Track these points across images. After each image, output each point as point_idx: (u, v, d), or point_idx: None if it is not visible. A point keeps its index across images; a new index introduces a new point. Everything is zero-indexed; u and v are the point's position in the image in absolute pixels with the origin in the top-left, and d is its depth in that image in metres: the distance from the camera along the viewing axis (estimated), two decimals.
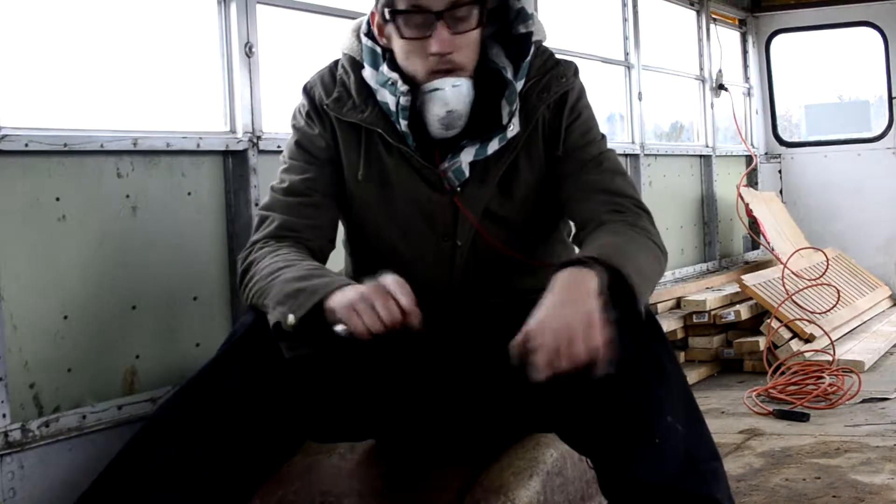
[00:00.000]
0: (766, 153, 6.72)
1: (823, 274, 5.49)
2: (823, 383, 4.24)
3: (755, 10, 6.61)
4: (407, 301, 1.77)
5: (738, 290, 5.10)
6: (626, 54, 5.18)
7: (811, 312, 5.08)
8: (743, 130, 6.46)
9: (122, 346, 2.40)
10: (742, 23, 6.58)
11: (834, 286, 5.41)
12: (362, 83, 2.05)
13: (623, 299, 1.80)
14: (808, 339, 4.85)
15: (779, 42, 6.70)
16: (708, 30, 6.06)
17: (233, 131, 2.75)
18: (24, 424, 2.14)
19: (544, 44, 2.12)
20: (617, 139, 5.10)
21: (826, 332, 4.88)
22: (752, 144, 6.58)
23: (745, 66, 6.67)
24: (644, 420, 1.80)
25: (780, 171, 6.73)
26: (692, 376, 4.67)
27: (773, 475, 3.08)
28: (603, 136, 2.12)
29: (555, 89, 2.06)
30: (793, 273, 5.31)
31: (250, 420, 1.86)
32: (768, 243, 5.78)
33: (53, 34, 2.45)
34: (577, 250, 2.12)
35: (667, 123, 6.39)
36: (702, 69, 6.05)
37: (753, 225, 5.97)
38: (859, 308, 5.68)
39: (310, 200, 2.06)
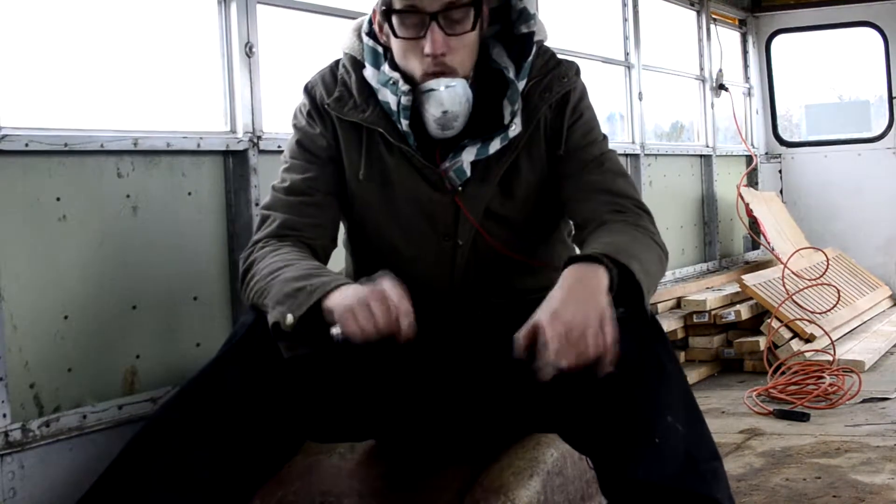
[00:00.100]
0: (766, 153, 6.72)
1: (823, 274, 5.49)
2: (824, 383, 4.24)
3: (755, 10, 6.61)
4: (403, 305, 1.76)
5: (739, 289, 5.10)
6: (627, 54, 5.18)
7: (811, 312, 5.08)
8: (743, 130, 6.46)
9: (122, 346, 2.40)
10: (742, 23, 6.58)
11: (834, 286, 5.41)
12: (363, 83, 2.06)
13: (629, 297, 1.80)
14: (809, 339, 4.85)
15: (779, 42, 6.70)
16: (708, 30, 6.06)
17: (233, 131, 2.75)
18: (25, 424, 2.14)
19: (545, 44, 2.12)
20: (617, 139, 5.10)
21: (826, 332, 4.88)
22: (752, 144, 6.58)
23: (746, 66, 6.67)
24: (644, 420, 1.80)
25: (780, 171, 6.73)
26: (692, 376, 4.67)
27: (773, 475, 3.08)
28: (605, 137, 2.12)
29: (556, 89, 2.06)
30: (793, 273, 5.31)
31: (251, 420, 1.86)
32: (768, 243, 5.78)
33: (53, 34, 2.45)
34: (577, 250, 2.12)
35: (667, 123, 6.40)
36: (702, 69, 6.05)
37: (754, 225, 5.97)
38: (859, 308, 5.68)
39: (311, 200, 2.06)
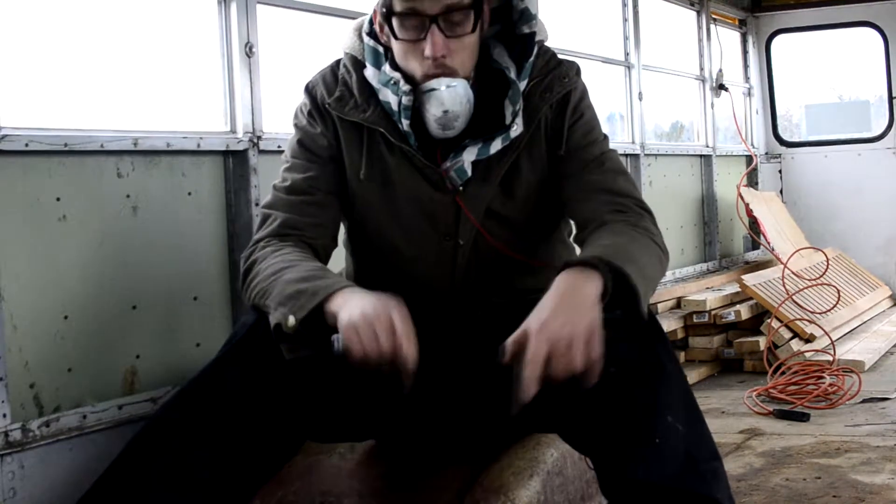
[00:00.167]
0: (766, 153, 6.72)
1: (823, 274, 5.49)
2: (824, 383, 4.24)
3: (755, 10, 6.61)
4: (407, 337, 1.73)
5: (739, 289, 5.10)
6: (627, 54, 5.19)
7: (811, 312, 5.08)
8: (743, 130, 6.46)
9: (122, 346, 2.40)
10: (742, 23, 6.58)
11: (834, 286, 5.41)
12: (364, 82, 2.06)
13: (625, 300, 1.80)
14: (809, 339, 4.85)
15: (779, 42, 6.71)
16: (708, 30, 6.06)
17: (233, 131, 2.75)
18: (25, 424, 2.14)
19: (545, 44, 2.12)
20: (617, 139, 5.10)
21: (826, 332, 4.88)
22: (752, 144, 6.58)
23: (746, 66, 6.67)
24: (644, 420, 1.80)
25: (780, 171, 6.73)
26: (692, 376, 4.67)
27: (773, 475, 3.09)
28: (605, 137, 2.12)
29: (557, 89, 2.06)
30: (793, 273, 5.31)
31: (251, 421, 1.86)
32: (768, 243, 5.78)
33: (53, 34, 2.45)
34: (577, 250, 2.12)
35: (667, 123, 6.40)
36: (702, 69, 6.05)
37: (754, 225, 5.97)
38: (859, 308, 5.68)
39: (312, 199, 2.06)
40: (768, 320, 4.84)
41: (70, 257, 2.28)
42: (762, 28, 6.66)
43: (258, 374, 1.87)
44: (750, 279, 5.07)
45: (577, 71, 2.11)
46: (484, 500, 2.13)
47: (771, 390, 4.23)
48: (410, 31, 1.95)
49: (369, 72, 2.05)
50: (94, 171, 2.34)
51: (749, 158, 6.48)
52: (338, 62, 2.13)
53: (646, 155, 5.21)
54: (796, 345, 4.79)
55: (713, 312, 4.90)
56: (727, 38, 6.40)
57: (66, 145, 2.26)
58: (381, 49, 2.04)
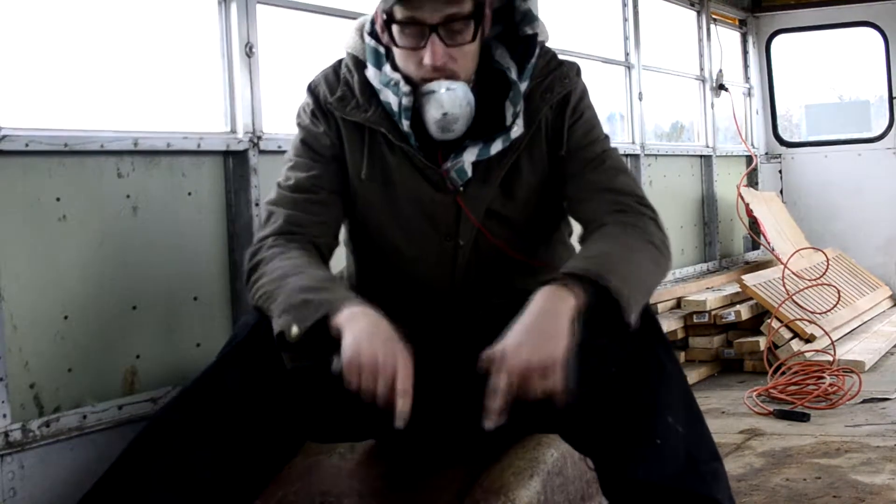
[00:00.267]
0: (766, 153, 6.72)
1: (824, 274, 5.49)
2: (824, 383, 4.24)
3: (755, 10, 6.61)
4: (404, 398, 1.73)
5: (739, 290, 5.10)
6: (627, 54, 5.18)
7: (811, 312, 5.08)
8: (743, 130, 6.46)
9: (122, 346, 2.40)
10: (742, 23, 6.58)
11: (834, 286, 5.41)
12: (365, 82, 2.06)
13: (611, 311, 1.80)
14: (809, 339, 4.85)
15: (779, 42, 6.70)
16: (708, 30, 6.06)
17: (233, 131, 2.75)
18: (25, 424, 2.14)
19: (546, 44, 2.12)
20: (617, 139, 5.10)
21: (826, 332, 4.88)
22: (752, 144, 6.58)
23: (746, 67, 6.67)
24: (645, 420, 1.80)
25: (780, 171, 6.73)
26: (692, 376, 4.67)
27: (773, 475, 3.08)
28: (606, 136, 2.12)
29: (558, 90, 2.06)
30: (793, 273, 5.31)
31: (252, 422, 1.86)
32: (768, 243, 5.78)
33: (53, 34, 2.45)
34: (577, 250, 2.12)
35: (667, 123, 6.40)
36: (702, 69, 6.05)
37: (754, 225, 5.97)
38: (860, 308, 5.68)
39: (316, 197, 2.06)
40: (768, 320, 4.84)
41: (70, 257, 2.28)
42: (762, 28, 6.66)
43: (259, 375, 1.87)
44: (750, 279, 5.07)
45: (578, 71, 2.11)
46: (484, 500, 2.13)
47: (771, 390, 4.23)
48: (410, 39, 1.94)
49: (370, 72, 2.05)
50: (94, 171, 2.34)
51: (749, 158, 6.48)
52: (340, 61, 2.13)
53: (646, 155, 5.21)
54: (796, 345, 4.79)
55: (713, 312, 4.90)
56: (727, 38, 6.39)
57: (66, 145, 2.26)
58: (382, 50, 2.04)
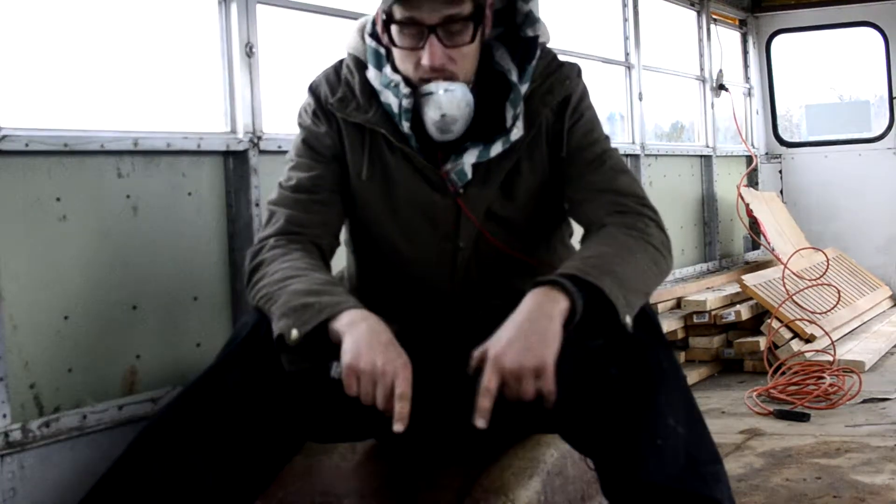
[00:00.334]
0: (766, 153, 6.72)
1: (824, 274, 5.49)
2: (824, 383, 4.24)
3: (755, 10, 6.61)
4: (402, 406, 1.73)
5: (739, 290, 5.09)
6: (627, 54, 5.18)
7: (812, 312, 5.08)
8: (743, 130, 6.46)
9: (122, 346, 2.40)
10: (742, 23, 6.58)
11: (834, 286, 5.41)
12: (366, 83, 2.06)
13: (606, 313, 1.80)
14: (809, 340, 4.85)
15: (779, 42, 6.70)
16: (708, 30, 6.06)
17: (233, 132, 2.75)
18: (25, 424, 2.14)
19: (547, 45, 2.12)
20: (617, 139, 5.10)
21: (826, 333, 4.88)
22: (752, 144, 6.58)
23: (746, 67, 6.67)
24: (645, 421, 1.80)
25: (780, 172, 6.73)
26: (693, 376, 4.66)
27: (773, 475, 3.08)
28: (606, 137, 2.12)
29: (558, 92, 2.06)
30: (793, 273, 5.31)
31: (252, 422, 1.86)
32: (769, 243, 5.78)
33: (53, 34, 2.45)
34: (577, 250, 2.12)
35: (667, 123, 6.40)
36: (702, 69, 6.05)
37: (754, 225, 5.97)
38: (860, 308, 5.67)
39: (317, 197, 2.06)
40: (768, 320, 4.84)
41: (70, 257, 2.28)
42: (762, 28, 6.66)
43: (259, 375, 1.87)
44: (750, 279, 5.07)
45: (578, 72, 2.11)
46: (484, 500, 2.13)
47: (771, 390, 4.23)
48: (409, 40, 1.94)
49: (371, 73, 2.05)
50: (94, 171, 2.34)
51: (749, 159, 6.48)
52: (341, 62, 2.13)
53: (646, 155, 5.21)
54: (796, 345, 4.79)
55: (713, 313, 4.90)
56: (727, 38, 6.39)
57: (66, 145, 2.26)
58: (382, 51, 2.04)
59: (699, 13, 6.01)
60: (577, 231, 2.15)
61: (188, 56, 2.81)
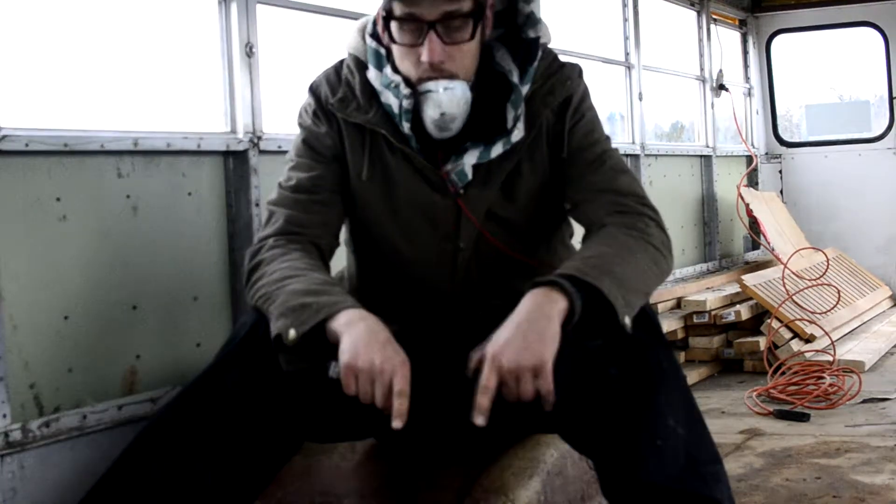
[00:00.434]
0: (766, 153, 6.72)
1: (824, 274, 5.49)
2: (824, 383, 4.24)
3: (755, 10, 6.61)
4: (400, 402, 1.73)
5: (739, 290, 5.09)
6: (627, 54, 5.18)
7: (811, 312, 5.08)
8: (743, 130, 6.46)
9: (122, 346, 2.40)
10: (742, 23, 6.58)
11: (834, 286, 5.41)
12: (366, 84, 2.06)
13: (605, 314, 1.80)
14: (809, 340, 4.85)
15: (779, 42, 6.70)
16: (708, 30, 6.06)
17: (233, 132, 2.75)
18: (25, 424, 2.14)
19: (548, 46, 2.12)
20: (617, 139, 5.10)
21: (826, 333, 4.88)
22: (752, 144, 6.58)
23: (746, 67, 6.67)
24: (645, 422, 1.80)
25: (780, 172, 6.73)
26: (693, 376, 4.66)
27: (773, 475, 3.08)
28: (607, 137, 2.12)
29: (559, 93, 2.06)
30: (793, 273, 5.31)
31: (251, 422, 1.86)
32: (768, 243, 5.78)
33: (53, 34, 2.45)
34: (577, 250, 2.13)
35: (667, 123, 6.40)
36: (702, 69, 6.05)
37: (754, 225, 5.97)
38: (860, 308, 5.67)
39: (317, 198, 2.06)
40: (768, 320, 4.84)
41: (70, 257, 2.28)
42: (762, 28, 6.66)
43: (258, 375, 1.87)
44: (750, 279, 5.07)
45: (580, 73, 2.11)
46: (484, 500, 2.13)
47: (771, 390, 4.22)
48: (409, 36, 1.95)
49: (371, 73, 2.05)
50: (94, 171, 2.34)
51: (749, 159, 6.48)
52: (341, 62, 2.13)
53: (646, 155, 5.21)
54: (796, 345, 4.79)
55: (713, 313, 4.90)
56: (727, 39, 6.39)
57: (66, 145, 2.26)
58: (383, 51, 2.04)
59: (699, 13, 6.01)
60: (578, 231, 2.15)
61: (188, 56, 2.81)
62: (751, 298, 5.03)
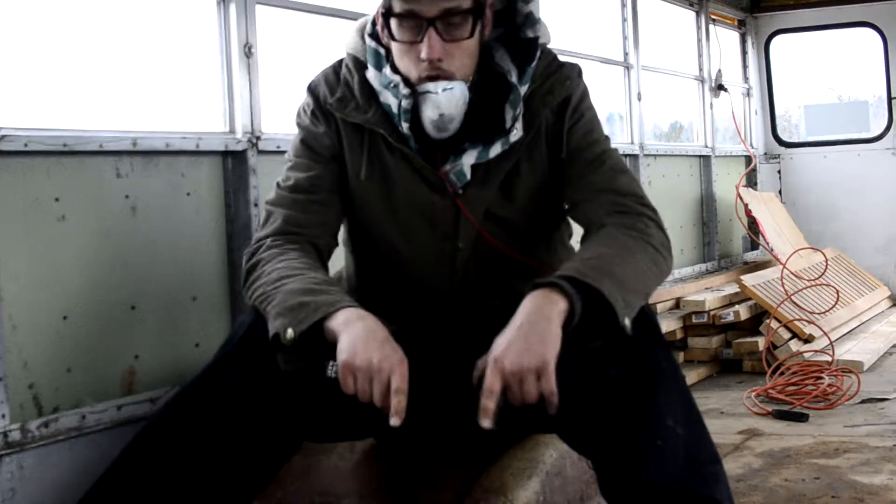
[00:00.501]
0: (765, 153, 6.72)
1: (823, 274, 5.50)
2: (822, 384, 4.24)
3: (754, 10, 6.61)
4: (398, 400, 1.73)
5: (738, 290, 5.09)
6: (626, 54, 5.18)
7: (810, 313, 5.08)
8: (742, 131, 6.46)
9: (121, 346, 2.40)
10: (741, 23, 6.58)
11: (833, 286, 5.41)
12: (365, 83, 2.06)
13: (605, 315, 1.80)
14: (808, 340, 4.85)
15: (778, 42, 6.71)
16: (707, 30, 6.06)
17: (232, 132, 2.75)
18: (24, 425, 2.14)
19: (547, 46, 2.12)
20: (616, 139, 5.10)
21: (825, 333, 4.88)
22: (751, 145, 6.58)
23: (745, 67, 6.67)
24: (645, 422, 1.80)
25: (779, 172, 6.73)
26: (691, 377, 4.67)
27: (772, 475, 3.09)
28: (606, 137, 2.12)
29: (558, 93, 2.06)
30: (792, 273, 5.31)
31: (250, 422, 1.86)
32: (767, 243, 5.78)
33: (53, 34, 2.45)
34: (576, 251, 2.13)
35: (666, 124, 6.40)
36: (701, 69, 6.05)
37: (753, 225, 5.97)
38: (858, 308, 5.68)
39: (315, 198, 2.06)
40: (767, 321, 4.84)
41: (69, 257, 2.28)
42: (761, 28, 6.66)
43: (256, 375, 1.87)
44: (749, 279, 5.07)
45: (579, 73, 2.11)
46: (484, 500, 2.13)
47: (770, 391, 4.23)
48: (408, 33, 1.95)
49: (370, 73, 2.05)
50: (93, 171, 2.34)
51: (748, 159, 6.48)
52: (340, 62, 2.13)
53: (645, 155, 5.21)
54: (795, 345, 4.79)
55: (712, 313, 4.90)
56: (726, 39, 6.39)
57: (65, 145, 2.25)
58: (382, 51, 2.04)
59: (698, 13, 6.01)
60: (577, 231, 2.15)
61: (187, 56, 2.81)
62: (750, 299, 5.03)
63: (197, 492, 1.82)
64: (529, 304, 1.79)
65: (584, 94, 2.11)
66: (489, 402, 1.72)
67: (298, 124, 2.13)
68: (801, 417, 3.82)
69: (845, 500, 2.82)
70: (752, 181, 6.48)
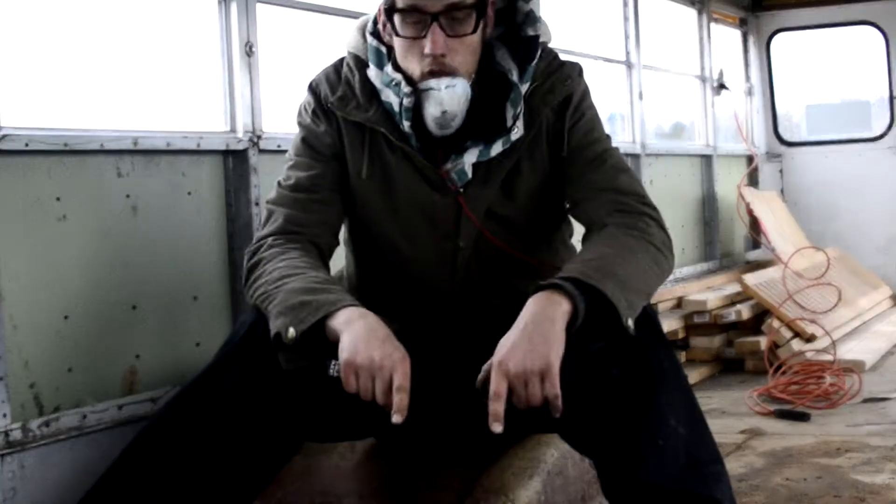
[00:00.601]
0: (767, 153, 6.72)
1: (824, 274, 5.49)
2: (824, 383, 4.23)
3: (756, 9, 6.61)
4: (401, 398, 1.73)
5: (740, 289, 5.09)
6: (627, 53, 5.18)
7: (812, 312, 5.07)
8: (744, 130, 6.46)
9: (122, 345, 2.40)
10: (743, 22, 6.58)
11: (835, 286, 5.40)
12: (366, 82, 2.06)
13: (607, 315, 1.80)
14: (810, 339, 4.85)
15: (780, 41, 6.70)
16: (709, 29, 6.05)
17: (233, 131, 2.75)
18: (25, 424, 2.14)
19: (549, 45, 2.12)
20: (618, 139, 5.09)
21: (827, 332, 4.87)
22: (753, 144, 6.57)
23: (746, 66, 6.66)
24: (646, 422, 1.80)
25: (780, 171, 6.72)
26: (693, 376, 4.66)
27: (774, 475, 3.08)
28: (607, 136, 2.12)
29: (559, 92, 2.06)
30: (794, 273, 5.31)
31: (251, 422, 1.86)
32: (769, 243, 5.78)
33: (53, 34, 2.45)
34: (577, 250, 2.12)
35: (668, 123, 6.39)
36: (703, 68, 6.04)
37: (754, 224, 5.97)
38: (860, 308, 5.67)
39: (316, 197, 2.06)
40: (769, 320, 4.84)
41: (70, 257, 2.28)
42: (763, 27, 6.66)
43: (257, 375, 1.87)
44: (751, 279, 5.07)
45: (580, 72, 2.11)
46: (484, 500, 2.12)
47: (772, 390, 4.22)
48: (411, 29, 1.95)
49: (372, 72, 2.05)
50: (93, 170, 2.34)
51: (750, 158, 6.48)
52: (341, 61, 2.13)
53: (646, 155, 5.20)
54: (797, 345, 4.78)
55: (714, 312, 4.90)
56: (728, 38, 6.39)
57: (65, 145, 2.25)
58: (383, 49, 2.04)
59: (699, 12, 6.00)
60: (578, 230, 2.15)
61: (188, 55, 2.81)
62: (751, 298, 5.03)
63: (197, 492, 1.82)
64: (533, 306, 1.78)
65: (585, 92, 2.11)
66: (498, 406, 1.71)
67: (299, 123, 2.13)
68: (802, 417, 3.82)
69: (847, 499, 2.82)
70: (753, 180, 6.48)
